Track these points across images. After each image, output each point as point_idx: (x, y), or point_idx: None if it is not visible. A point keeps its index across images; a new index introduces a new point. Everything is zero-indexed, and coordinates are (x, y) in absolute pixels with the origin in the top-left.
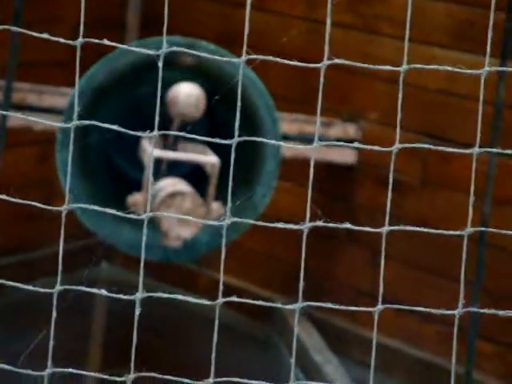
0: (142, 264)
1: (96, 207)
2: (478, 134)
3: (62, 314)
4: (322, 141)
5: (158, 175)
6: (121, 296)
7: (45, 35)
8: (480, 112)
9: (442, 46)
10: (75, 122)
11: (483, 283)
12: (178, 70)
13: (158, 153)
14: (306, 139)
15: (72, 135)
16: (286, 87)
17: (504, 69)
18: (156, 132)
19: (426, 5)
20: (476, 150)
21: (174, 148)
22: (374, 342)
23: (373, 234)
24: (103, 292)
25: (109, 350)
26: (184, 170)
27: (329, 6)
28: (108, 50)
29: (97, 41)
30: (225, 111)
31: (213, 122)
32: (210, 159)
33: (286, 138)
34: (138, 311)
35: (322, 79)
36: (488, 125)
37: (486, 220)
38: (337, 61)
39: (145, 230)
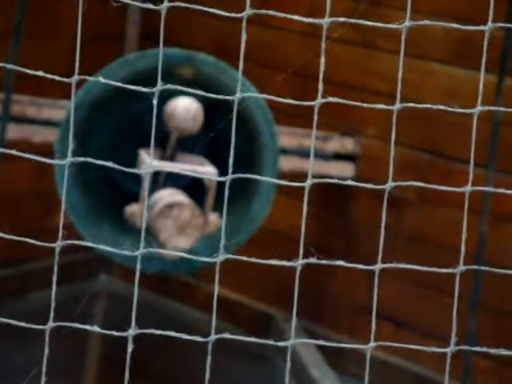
0: (134, 300)
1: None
2: (471, 172)
3: (57, 331)
4: (319, 155)
5: (156, 187)
6: (113, 332)
7: (40, 73)
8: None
9: (439, 62)
10: (70, 159)
11: (481, 299)
12: (175, 82)
13: (157, 164)
14: (305, 153)
15: (66, 172)
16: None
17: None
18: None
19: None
20: (468, 188)
21: (172, 160)
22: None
23: (370, 248)
24: (96, 329)
25: (106, 364)
26: (182, 183)
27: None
28: (106, 62)
29: (91, 78)
30: (224, 123)
31: (210, 134)
32: (208, 170)
33: (284, 151)
34: (130, 348)
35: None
36: (486, 142)
37: (483, 238)
38: (330, 99)
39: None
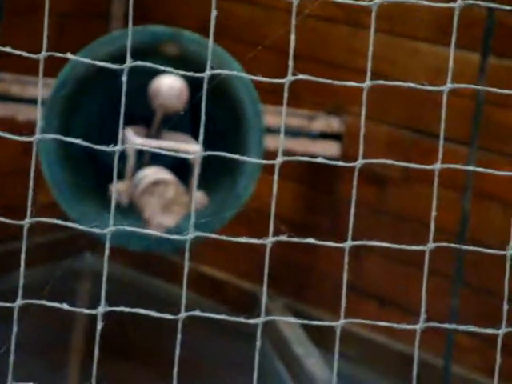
0: (104, 278)
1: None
2: (441, 150)
3: (43, 304)
4: (305, 134)
5: (141, 164)
6: (83, 310)
7: (7, 49)
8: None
9: (425, 40)
10: (38, 136)
11: (463, 277)
12: (161, 59)
13: (141, 141)
14: (291, 132)
15: (35, 148)
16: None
17: None
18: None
19: None
20: (437, 166)
21: (157, 137)
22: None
23: (356, 226)
24: (65, 306)
25: (92, 339)
26: (167, 160)
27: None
28: (92, 39)
29: (60, 54)
30: (209, 102)
31: (197, 112)
32: (193, 148)
33: (269, 130)
34: (99, 325)
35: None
36: (469, 120)
37: (465, 215)
38: (301, 76)
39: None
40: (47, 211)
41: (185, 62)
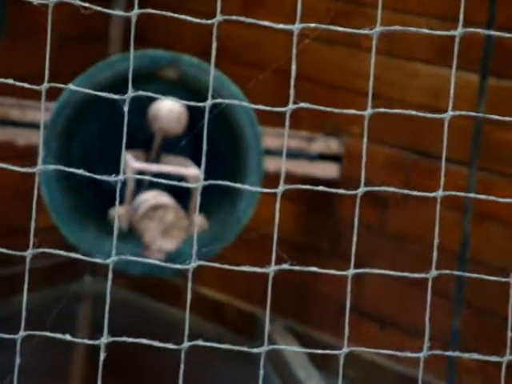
0: (106, 308)
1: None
2: (442, 177)
3: (46, 329)
4: (304, 155)
5: (140, 188)
6: (84, 341)
7: (9, 81)
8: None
9: (424, 62)
10: (40, 167)
11: (465, 297)
12: (160, 83)
13: (141, 165)
14: (290, 153)
15: (37, 179)
16: (269, 101)
17: None
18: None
19: (407, 20)
20: (440, 193)
21: (156, 161)
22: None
23: (357, 247)
24: (67, 337)
25: (93, 363)
26: (167, 185)
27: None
28: (91, 62)
29: (61, 85)
30: (208, 125)
31: (196, 134)
32: (193, 172)
33: (269, 152)
34: (102, 356)
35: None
36: (469, 139)
37: (466, 237)
38: (302, 105)
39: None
40: (47, 234)
41: (184, 85)
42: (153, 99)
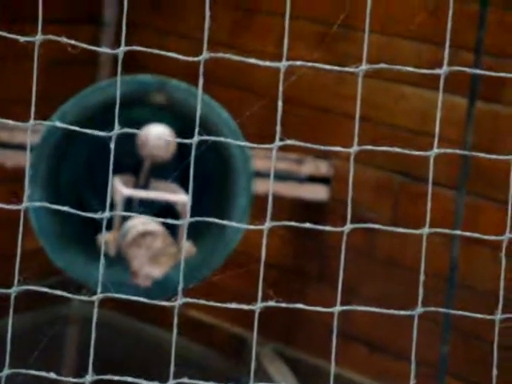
0: (91, 348)
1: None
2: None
3: (34, 352)
4: (293, 178)
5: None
6: (70, 379)
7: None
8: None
9: (411, 84)
10: (26, 204)
11: (453, 323)
12: (148, 108)
13: (129, 192)
14: (279, 176)
15: (22, 217)
16: (258, 124)
17: None
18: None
19: (395, 43)
20: (426, 230)
21: (145, 187)
22: None
23: (345, 271)
24: (52, 375)
25: None
26: (155, 209)
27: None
28: (81, 85)
29: (46, 123)
30: (197, 149)
31: (184, 160)
32: (181, 198)
33: (258, 174)
34: None
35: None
36: (457, 164)
37: (454, 261)
38: (288, 142)
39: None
40: (34, 257)
41: (172, 110)
42: (142, 124)
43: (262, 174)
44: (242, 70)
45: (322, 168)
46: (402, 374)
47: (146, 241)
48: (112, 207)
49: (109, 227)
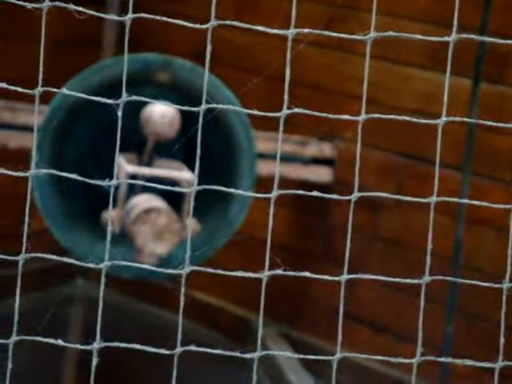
0: (99, 312)
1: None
2: (436, 184)
3: (38, 332)
4: (298, 159)
5: (133, 192)
6: (77, 346)
7: (3, 84)
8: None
9: (417, 66)
10: (34, 171)
11: (458, 303)
12: (153, 86)
13: (134, 169)
14: (283, 157)
15: (30, 184)
16: (262, 105)
17: None
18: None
19: (401, 25)
20: (433, 199)
21: (149, 165)
22: None
23: (350, 252)
24: (60, 342)
25: (84, 368)
26: (159, 191)
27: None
28: (84, 65)
29: (55, 90)
30: (201, 129)
31: (189, 138)
32: (185, 175)
33: (262, 156)
34: (95, 361)
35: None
36: (462, 144)
37: (459, 241)
38: (296, 110)
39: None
40: (40, 238)
41: (176, 88)
42: (146, 102)
43: (266, 156)
44: (246, 50)
45: (326, 150)
46: (406, 355)
47: (151, 217)
48: (117, 186)
49: (113, 205)
